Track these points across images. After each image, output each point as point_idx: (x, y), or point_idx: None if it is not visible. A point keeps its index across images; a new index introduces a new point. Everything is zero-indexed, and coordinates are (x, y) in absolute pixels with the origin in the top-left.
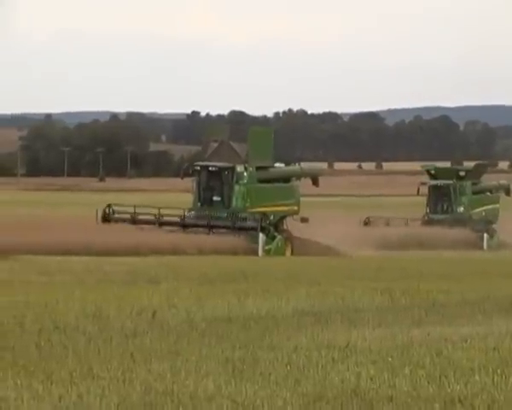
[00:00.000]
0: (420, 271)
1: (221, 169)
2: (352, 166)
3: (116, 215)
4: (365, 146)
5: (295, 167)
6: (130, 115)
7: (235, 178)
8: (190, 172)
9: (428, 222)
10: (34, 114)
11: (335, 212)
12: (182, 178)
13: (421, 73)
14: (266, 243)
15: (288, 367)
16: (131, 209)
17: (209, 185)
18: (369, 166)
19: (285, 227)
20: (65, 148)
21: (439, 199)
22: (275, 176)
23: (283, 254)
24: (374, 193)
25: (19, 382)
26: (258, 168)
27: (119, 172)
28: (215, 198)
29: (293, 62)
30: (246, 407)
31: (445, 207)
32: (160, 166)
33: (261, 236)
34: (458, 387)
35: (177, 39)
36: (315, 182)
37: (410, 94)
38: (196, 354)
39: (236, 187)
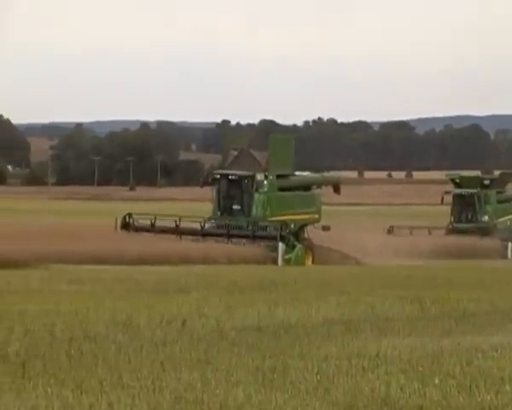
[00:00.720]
0: (449, 280)
1: (241, 177)
2: (382, 175)
3: (136, 224)
4: (395, 155)
5: (316, 175)
6: (161, 124)
7: (255, 187)
8: (210, 180)
9: (453, 231)
10: (65, 124)
11: (361, 221)
12: (201, 187)
13: (451, 82)
14: (286, 252)
15: (318, 376)
16: (151, 218)
17: (229, 194)
18: (399, 175)
19: (306, 236)
20: (95, 157)
21: (464, 208)
22: (295, 184)
23: (303, 263)
24: (403, 202)
25: (49, 390)
26: (278, 176)
27: (150, 181)
28: (235, 207)
29: (323, 71)
30: None
31: (470, 216)
32: (190, 176)
33: (281, 245)
34: (489, 397)
35: (208, 48)
36: (336, 190)
37: (441, 103)
38: (226, 363)
39: (256, 195)
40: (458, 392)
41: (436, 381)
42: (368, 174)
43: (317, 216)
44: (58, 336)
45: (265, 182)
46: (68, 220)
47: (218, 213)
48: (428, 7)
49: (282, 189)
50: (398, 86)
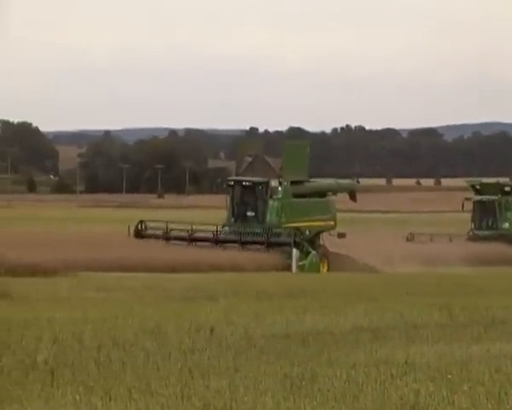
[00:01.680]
0: (478, 287)
1: (255, 184)
2: (411, 182)
3: (149, 231)
4: (424, 162)
5: (331, 182)
6: (189, 132)
7: (269, 193)
8: (224, 186)
9: (473, 238)
10: (93, 131)
11: (385, 228)
12: (215, 193)
13: (479, 89)
14: (300, 258)
15: (347, 384)
16: (164, 225)
17: (243, 200)
18: (427, 182)
19: (321, 243)
20: (123, 164)
21: (484, 215)
22: (310, 191)
23: (318, 270)
24: (432, 209)
25: (78, 398)
26: (292, 183)
27: (178, 188)
28: (249, 213)
29: (350, 78)
30: None
31: (490, 223)
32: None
33: (295, 251)
34: None
35: (237, 56)
36: (352, 197)
37: (469, 110)
38: (255, 371)
39: (271, 202)
40: (487, 399)
41: (465, 388)
42: (396, 181)
43: (332, 223)
44: (86, 343)
45: (280, 188)
46: (96, 228)
47: (232, 219)
48: (456, 15)
49: (296, 195)
50: (426, 93)
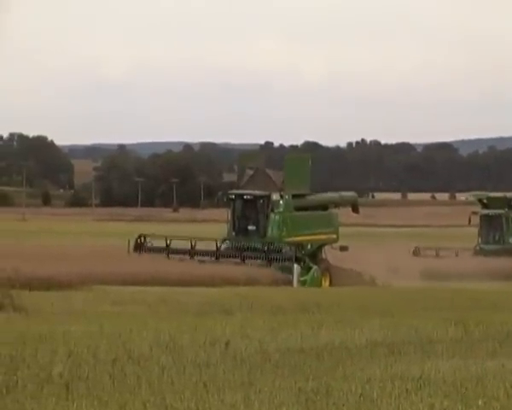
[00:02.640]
0: (493, 302)
1: (256, 197)
2: (426, 196)
3: (148, 245)
4: (439, 176)
5: (333, 195)
6: (204, 145)
7: (270, 207)
8: (225, 200)
9: (480, 252)
10: (108, 145)
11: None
12: (217, 207)
13: (494, 104)
14: (302, 274)
15: (362, 398)
16: (164, 239)
17: (244, 214)
18: (442, 196)
19: (323, 256)
20: (138, 178)
21: (491, 229)
22: (312, 204)
23: (320, 285)
24: (447, 224)
25: None
26: (294, 196)
27: (193, 202)
28: (250, 227)
29: (366, 93)
30: None
31: (497, 238)
32: None
33: (296, 267)
34: None
35: (251, 70)
36: (355, 209)
37: (484, 124)
38: (269, 385)
39: (272, 216)
40: None
41: (480, 403)
42: (411, 196)
43: (334, 236)
44: (101, 357)
45: (281, 202)
46: (111, 242)
47: (233, 233)
48: (471, 30)
49: (298, 209)
50: (440, 108)
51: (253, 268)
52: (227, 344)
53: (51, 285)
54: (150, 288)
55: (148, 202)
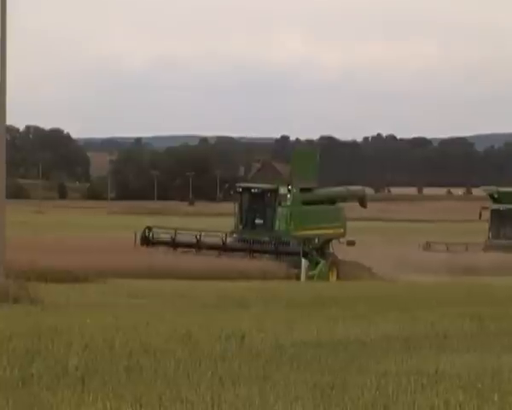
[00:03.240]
0: (509, 296)
1: (263, 191)
2: (442, 191)
3: (155, 238)
4: (455, 171)
5: (340, 189)
6: (220, 139)
7: (278, 200)
8: (232, 193)
9: (490, 247)
10: (124, 138)
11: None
12: (223, 200)
13: (510, 98)
14: (309, 268)
15: (377, 393)
16: (172, 232)
17: (251, 208)
18: (458, 191)
19: (331, 251)
20: (154, 171)
21: (502, 224)
22: (319, 198)
23: (327, 279)
24: (462, 219)
25: (108, 405)
26: (302, 190)
27: (209, 195)
28: (257, 221)
29: (383, 87)
30: None
31: (508, 232)
32: None
33: (304, 261)
34: None
35: (268, 64)
36: (362, 203)
37: (500, 119)
38: (285, 379)
39: (279, 209)
40: None
41: (495, 398)
42: (427, 190)
43: (341, 230)
44: (117, 350)
45: (289, 195)
46: (127, 235)
47: (241, 227)
48: (486, 25)
49: (305, 202)
50: (457, 102)
51: (267, 262)
52: (243, 338)
53: (67, 278)
54: (165, 281)
55: (164, 196)
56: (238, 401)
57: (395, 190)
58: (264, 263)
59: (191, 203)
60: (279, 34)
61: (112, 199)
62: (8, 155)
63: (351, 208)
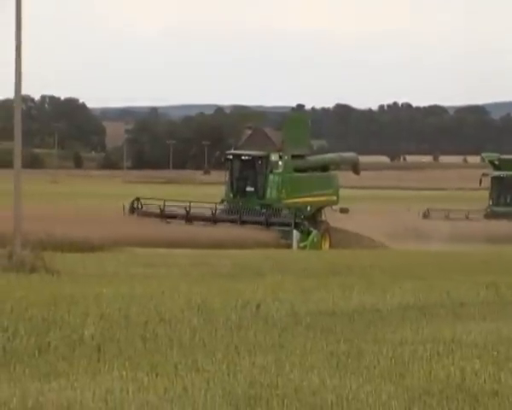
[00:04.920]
0: None
1: (254, 158)
2: (458, 159)
3: (144, 209)
4: (471, 139)
5: (333, 155)
6: (236, 108)
7: (269, 168)
8: (222, 161)
9: (491, 215)
10: (140, 108)
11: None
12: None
13: None
14: (301, 239)
15: (393, 361)
16: (160, 203)
17: (242, 175)
18: (474, 159)
19: (323, 218)
20: (170, 141)
21: (503, 191)
22: (312, 165)
23: (320, 248)
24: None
25: (124, 373)
26: (293, 157)
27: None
28: (248, 189)
29: (398, 55)
30: (350, 401)
31: (509, 200)
32: None
33: (295, 232)
34: None
35: (284, 33)
36: (355, 170)
37: None
38: (301, 348)
39: (271, 177)
40: None
41: (511, 366)
42: (443, 159)
43: (334, 198)
44: (133, 319)
45: (280, 163)
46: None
47: (231, 195)
48: None
49: (297, 170)
50: (472, 70)
51: (259, 231)
52: (258, 307)
53: (83, 247)
54: (181, 251)
55: (180, 165)
56: (254, 369)
57: (410, 159)
58: (256, 232)
59: (206, 172)
60: (295, 3)
61: (128, 168)
62: (24, 125)
63: (363, 177)
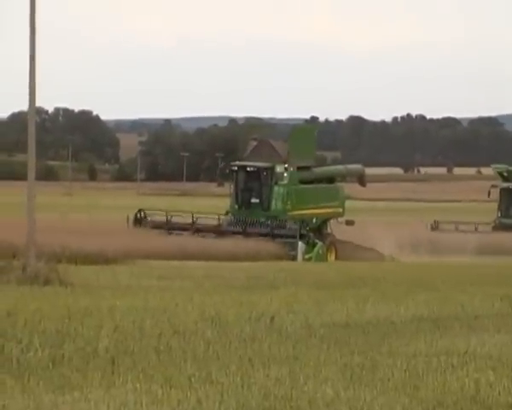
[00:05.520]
0: None
1: (259, 169)
2: (472, 171)
3: (148, 220)
4: (485, 151)
5: (339, 167)
6: (249, 120)
7: (274, 179)
8: (227, 172)
9: (499, 227)
10: (153, 120)
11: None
12: (219, 180)
13: None
14: (306, 251)
15: (407, 373)
16: (163, 214)
17: (247, 187)
18: (488, 171)
19: (329, 231)
20: (184, 153)
21: (511, 203)
22: (318, 176)
23: (325, 260)
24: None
25: (138, 386)
26: (299, 168)
27: None
28: (253, 200)
29: (412, 67)
30: None
31: None
32: None
33: (300, 244)
34: None
35: (296, 44)
36: (361, 182)
37: None
38: (315, 360)
39: (276, 188)
40: None
41: None
42: (457, 171)
43: (340, 210)
44: (147, 331)
45: (285, 174)
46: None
47: (236, 207)
48: None
49: (303, 181)
50: (486, 82)
51: (264, 243)
52: (272, 319)
53: (97, 260)
54: (194, 263)
55: (194, 177)
56: (268, 381)
57: (425, 170)
58: (261, 244)
59: (220, 184)
60: (308, 13)
61: (141, 180)
62: (38, 137)
63: (379, 188)
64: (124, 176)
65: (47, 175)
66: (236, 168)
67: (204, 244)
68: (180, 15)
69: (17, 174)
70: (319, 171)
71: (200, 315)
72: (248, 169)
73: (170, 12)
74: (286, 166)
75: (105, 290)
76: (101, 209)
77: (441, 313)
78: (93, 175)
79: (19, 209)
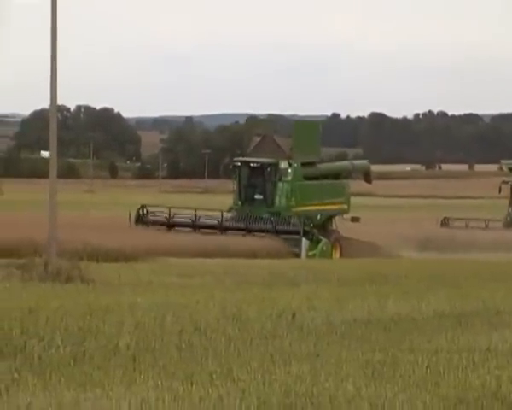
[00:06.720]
0: None
1: (263, 165)
2: (493, 168)
3: (150, 217)
4: (506, 147)
5: (344, 163)
6: (270, 117)
7: (278, 175)
8: (231, 168)
9: (510, 223)
10: (175, 117)
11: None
12: (224, 174)
13: None
14: (310, 248)
15: (428, 370)
16: (166, 211)
17: (250, 183)
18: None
19: (334, 227)
20: (205, 150)
21: None
22: (322, 172)
23: (330, 257)
24: None
25: (159, 383)
26: (303, 164)
27: None
28: (257, 196)
29: (433, 64)
30: (385, 409)
31: None
32: None
33: (304, 241)
34: None
35: (319, 42)
36: (367, 179)
37: None
38: (336, 357)
39: (280, 184)
40: None
41: None
42: (478, 167)
43: (345, 206)
44: (168, 328)
45: (290, 170)
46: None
47: (240, 203)
48: None
49: (307, 177)
50: (508, 78)
51: (269, 241)
52: (293, 316)
53: (118, 257)
54: (216, 260)
55: (215, 174)
56: (289, 378)
57: (446, 167)
58: (266, 241)
59: None
60: (331, 10)
61: (163, 178)
62: (60, 135)
63: (398, 185)
64: (145, 173)
65: (68, 173)
66: (240, 164)
67: (225, 241)
68: (204, 14)
69: (39, 172)
70: (324, 167)
71: (221, 312)
72: (252, 165)
73: (192, 11)
74: (290, 161)
75: (126, 287)
76: (122, 206)
77: (462, 309)
78: (114, 173)
79: (41, 207)
